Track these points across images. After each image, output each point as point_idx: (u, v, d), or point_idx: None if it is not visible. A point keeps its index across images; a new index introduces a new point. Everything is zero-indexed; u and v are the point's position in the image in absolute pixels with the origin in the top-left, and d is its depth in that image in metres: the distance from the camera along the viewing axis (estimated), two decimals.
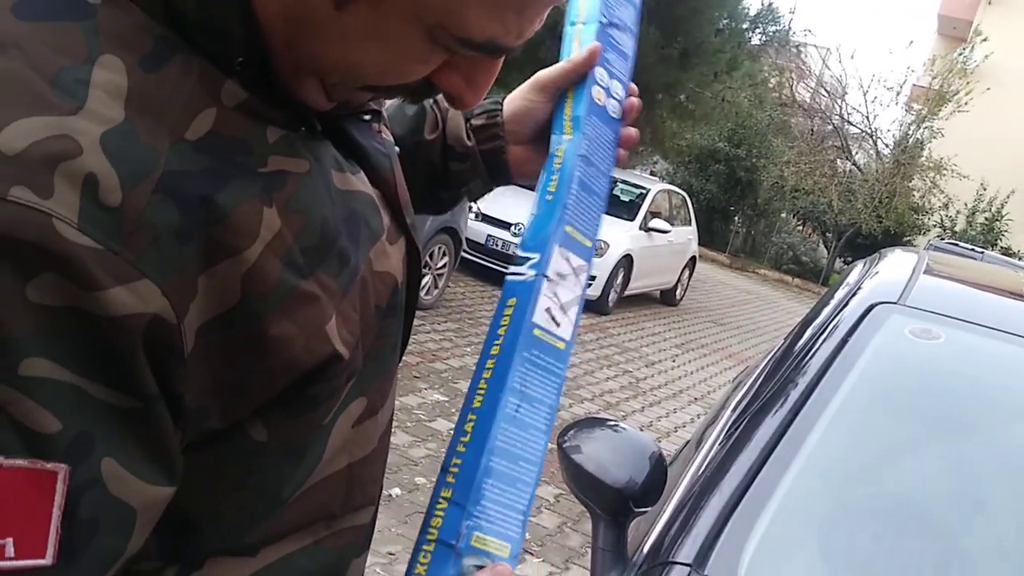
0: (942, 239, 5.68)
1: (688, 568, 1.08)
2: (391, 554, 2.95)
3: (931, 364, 1.52)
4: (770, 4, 14.40)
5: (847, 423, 1.34)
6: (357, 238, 0.60)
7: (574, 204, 0.75)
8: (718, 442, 1.50)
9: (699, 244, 11.34)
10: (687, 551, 1.11)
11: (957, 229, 17.15)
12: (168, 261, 0.46)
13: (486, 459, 0.63)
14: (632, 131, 0.86)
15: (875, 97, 21.97)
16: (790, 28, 15.97)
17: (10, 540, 0.42)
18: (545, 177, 0.77)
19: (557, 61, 0.85)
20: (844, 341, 1.45)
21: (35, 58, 0.45)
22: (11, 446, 0.42)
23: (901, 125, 18.04)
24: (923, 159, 17.21)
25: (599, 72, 0.83)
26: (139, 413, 0.46)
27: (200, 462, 0.53)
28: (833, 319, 1.58)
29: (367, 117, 0.68)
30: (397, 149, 0.73)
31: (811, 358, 1.45)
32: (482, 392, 0.66)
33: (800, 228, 20.85)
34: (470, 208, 7.22)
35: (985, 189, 17.04)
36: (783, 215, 20.28)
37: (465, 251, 6.88)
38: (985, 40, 16.89)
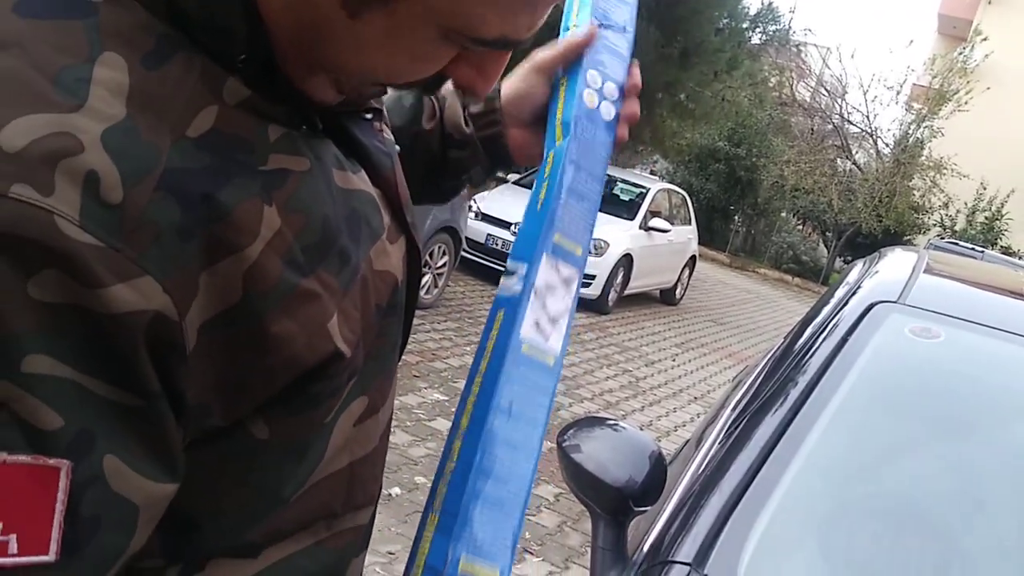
0: (942, 238, 5.69)
1: (688, 567, 1.08)
2: (391, 553, 2.95)
3: (931, 363, 1.52)
4: (770, 3, 14.42)
5: (847, 422, 1.34)
6: (358, 237, 0.60)
7: (563, 212, 0.74)
8: (718, 441, 1.50)
9: (699, 243, 11.33)
10: (687, 550, 1.11)
11: (957, 228, 17.14)
12: (170, 258, 0.46)
13: (472, 482, 0.62)
14: (622, 132, 0.86)
15: (875, 96, 22.03)
16: (790, 27, 16.02)
17: (13, 536, 0.42)
18: (536, 185, 0.77)
19: None
20: (844, 340, 1.45)
21: (36, 56, 0.45)
22: (14, 442, 0.42)
23: (901, 124, 18.04)
24: (923, 158, 17.20)
25: (591, 75, 0.82)
26: (141, 410, 0.46)
27: (202, 460, 0.53)
28: (833, 318, 1.58)
29: (368, 116, 0.68)
30: (398, 148, 0.73)
31: (811, 357, 1.45)
32: (469, 412, 0.65)
33: (800, 227, 20.83)
34: (470, 207, 7.22)
35: (985, 188, 17.04)
36: (783, 214, 20.26)
37: (465, 250, 6.89)
38: (985, 39, 16.88)
